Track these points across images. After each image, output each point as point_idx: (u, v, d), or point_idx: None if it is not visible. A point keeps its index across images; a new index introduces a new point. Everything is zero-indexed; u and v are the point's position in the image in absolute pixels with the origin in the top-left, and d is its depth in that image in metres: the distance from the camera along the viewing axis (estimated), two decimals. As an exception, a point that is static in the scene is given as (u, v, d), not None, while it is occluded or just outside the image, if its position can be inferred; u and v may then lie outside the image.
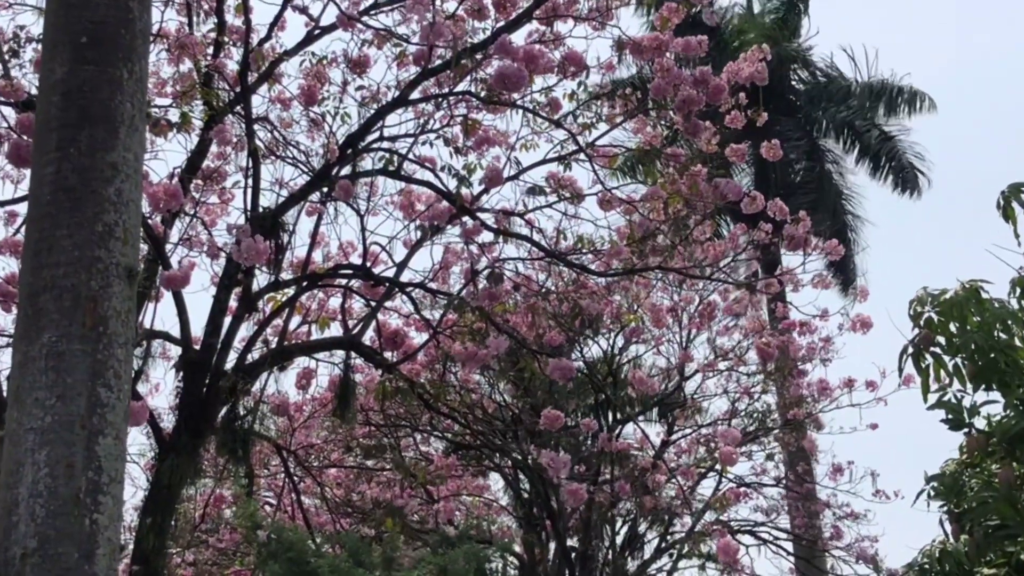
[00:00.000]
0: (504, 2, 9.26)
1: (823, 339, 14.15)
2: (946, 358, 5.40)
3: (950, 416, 5.52)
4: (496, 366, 12.24)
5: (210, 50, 9.55)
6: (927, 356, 5.40)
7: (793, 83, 23.13)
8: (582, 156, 9.76)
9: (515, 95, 9.49)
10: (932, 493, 5.65)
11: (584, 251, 10.19)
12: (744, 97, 10.08)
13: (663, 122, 10.14)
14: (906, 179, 22.40)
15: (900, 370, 5.53)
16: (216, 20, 9.48)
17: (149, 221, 8.63)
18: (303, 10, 9.47)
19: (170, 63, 9.37)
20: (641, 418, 15.09)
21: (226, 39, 9.54)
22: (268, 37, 9.45)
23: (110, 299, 4.12)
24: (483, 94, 9.37)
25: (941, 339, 5.39)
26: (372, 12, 9.50)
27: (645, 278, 12.21)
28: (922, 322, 5.41)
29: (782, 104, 21.95)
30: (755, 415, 14.92)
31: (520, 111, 9.67)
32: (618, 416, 14.44)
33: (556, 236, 10.28)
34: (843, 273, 20.97)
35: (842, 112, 22.69)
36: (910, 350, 5.42)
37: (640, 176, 13.65)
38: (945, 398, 5.51)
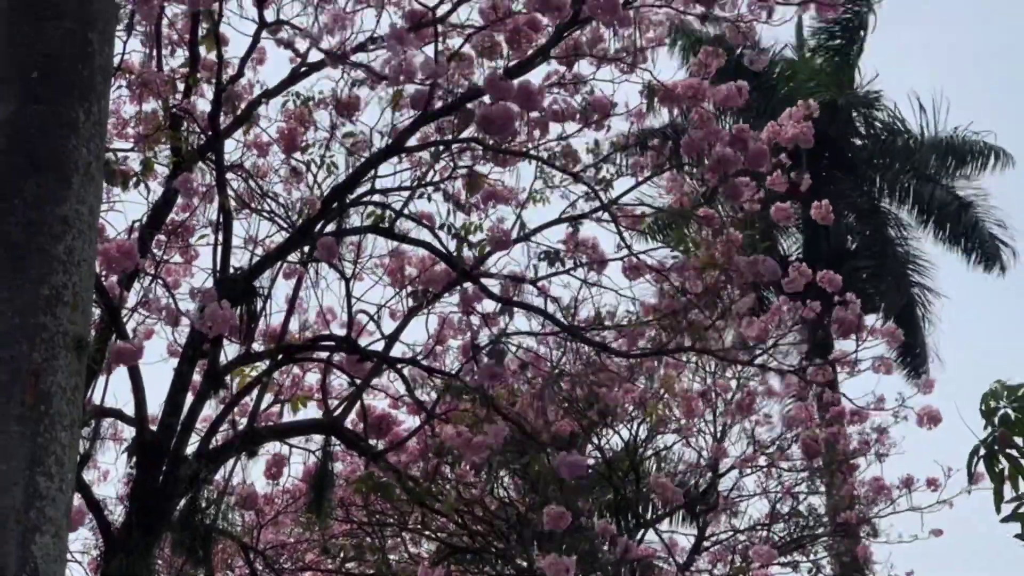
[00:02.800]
0: (518, 38, 9.32)
1: (876, 429, 14.05)
2: (1024, 462, 5.35)
3: (1028, 531, 5.46)
4: (497, 457, 12.17)
5: (180, 87, 9.63)
6: (1002, 460, 5.35)
7: (851, 137, 23.06)
8: (604, 215, 9.74)
9: (528, 144, 9.55)
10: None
11: (605, 326, 10.16)
12: (787, 158, 10.08)
13: (697, 179, 10.16)
14: (986, 252, 22.11)
15: (970, 474, 5.48)
16: (188, 53, 9.57)
17: (103, 283, 8.65)
18: (288, 44, 9.54)
19: (133, 102, 9.44)
20: (667, 520, 14.99)
21: (199, 74, 9.62)
22: (240, 74, 9.50)
23: (55, 373, 4.12)
24: (490, 142, 9.40)
25: (1019, 440, 5.35)
26: (370, 48, 9.56)
27: (677, 359, 12.14)
28: (997, 419, 5.37)
29: (838, 160, 22.00)
30: (799, 519, 14.82)
31: (532, 162, 9.69)
32: (640, 518, 14.35)
33: (573, 308, 10.24)
34: (910, 354, 20.76)
35: (907, 171, 22.59)
36: (982, 451, 5.38)
37: (671, 241, 13.69)
38: (1022, 510, 5.46)
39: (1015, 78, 46.84)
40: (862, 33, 22.80)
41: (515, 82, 8.64)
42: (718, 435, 14.26)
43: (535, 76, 9.35)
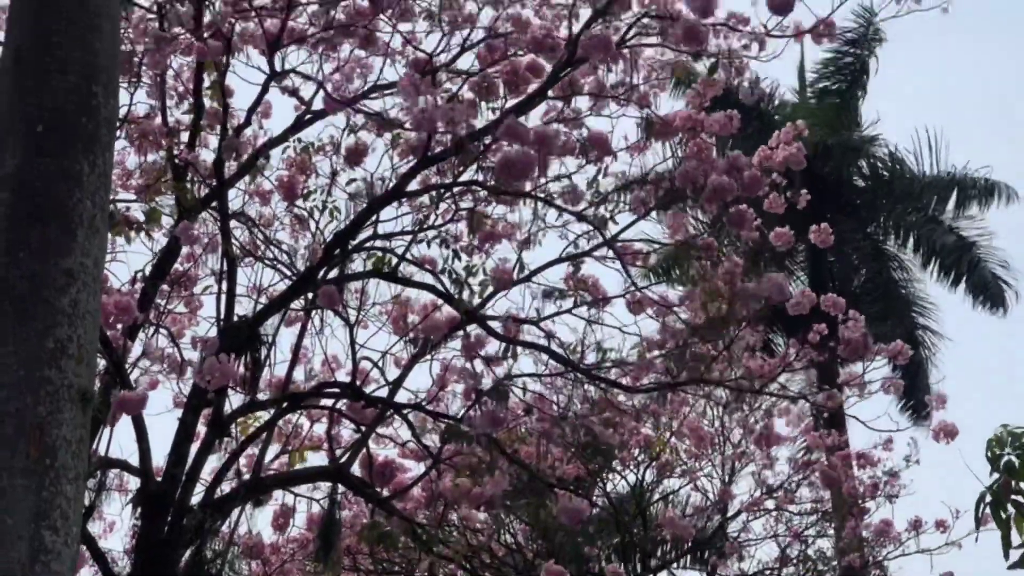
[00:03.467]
0: (515, 79, 9.37)
1: (888, 473, 14.00)
2: (1030, 509, 5.32)
3: (1036, 578, 5.42)
4: (502, 503, 12.10)
5: (184, 137, 9.67)
6: (1008, 506, 5.33)
7: (852, 178, 23.04)
8: (607, 251, 9.71)
9: (528, 184, 9.56)
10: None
11: (609, 364, 10.12)
12: (781, 178, 10.06)
13: (698, 213, 10.16)
14: (989, 294, 21.97)
15: (977, 521, 5.44)
16: (192, 102, 9.62)
17: (107, 334, 8.64)
18: (293, 92, 9.60)
19: (137, 152, 9.49)
20: (675, 564, 14.91)
21: (204, 123, 9.67)
22: (247, 123, 9.57)
23: (59, 427, 4.12)
24: (491, 183, 9.42)
25: (1024, 486, 5.33)
26: (372, 95, 9.61)
27: (684, 392, 12.06)
28: (1002, 466, 5.34)
29: (841, 201, 21.98)
30: (809, 563, 14.73)
31: (533, 201, 9.70)
32: (648, 562, 14.27)
33: (578, 347, 10.18)
34: (914, 396, 20.67)
35: (910, 212, 22.57)
36: (988, 498, 5.35)
37: (675, 277, 13.68)
38: (1029, 556, 5.42)
39: (1016, 116, 46.96)
40: (864, 76, 22.90)
41: (531, 128, 8.70)
42: (726, 478, 14.20)
43: (533, 114, 9.43)
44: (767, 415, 13.73)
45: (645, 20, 9.16)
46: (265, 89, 9.57)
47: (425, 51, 9.38)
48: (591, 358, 10.16)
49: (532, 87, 9.37)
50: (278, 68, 9.45)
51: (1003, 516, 5.36)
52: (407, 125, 9.15)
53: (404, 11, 9.33)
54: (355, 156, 9.77)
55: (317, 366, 11.52)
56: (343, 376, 10.86)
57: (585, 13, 9.24)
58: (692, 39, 8.93)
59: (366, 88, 9.63)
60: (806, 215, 11.47)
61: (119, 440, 14.53)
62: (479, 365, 9.98)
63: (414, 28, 9.53)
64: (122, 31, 7.24)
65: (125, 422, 9.30)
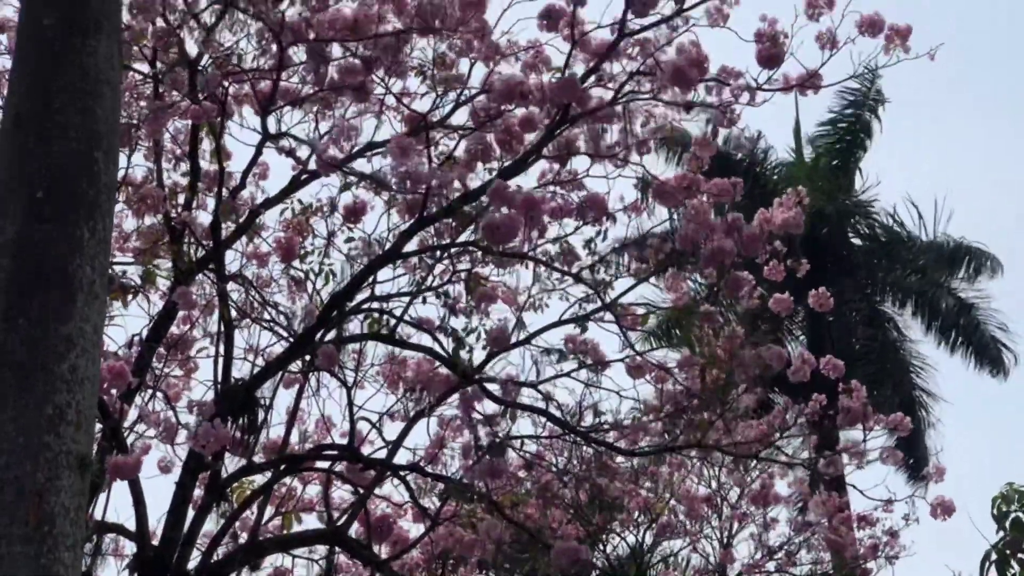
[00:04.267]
0: (509, 140, 9.41)
1: (888, 532, 13.90)
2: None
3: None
4: (497, 558, 12.01)
5: (181, 199, 9.70)
6: (1014, 564, 5.31)
7: (851, 239, 23.14)
8: (606, 315, 9.73)
9: (526, 246, 9.59)
10: None
11: (607, 427, 10.10)
12: (781, 245, 10.11)
13: (697, 277, 10.18)
14: (988, 357, 22.00)
15: (982, 579, 5.43)
16: (189, 165, 9.66)
17: (104, 397, 8.61)
18: (289, 152, 9.64)
19: (135, 215, 9.50)
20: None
21: (200, 185, 9.70)
22: (242, 185, 9.59)
23: (58, 494, 4.11)
24: (485, 244, 9.44)
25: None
26: (367, 153, 9.65)
27: (682, 456, 12.05)
28: (1008, 524, 5.33)
29: (840, 263, 22.03)
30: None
31: (531, 264, 9.71)
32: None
33: (576, 410, 10.18)
34: (911, 456, 20.63)
35: (908, 274, 22.65)
36: (993, 556, 5.33)
37: (675, 340, 13.68)
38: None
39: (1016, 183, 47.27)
40: (863, 137, 22.99)
41: (519, 191, 8.72)
42: (725, 540, 14.11)
43: (529, 175, 9.49)
44: (767, 475, 13.68)
45: (638, 76, 9.24)
46: (259, 151, 9.61)
47: (417, 111, 9.45)
48: (589, 419, 10.16)
49: (529, 138, 9.41)
50: (273, 129, 9.50)
51: (1009, 575, 5.34)
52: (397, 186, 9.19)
53: (397, 68, 9.39)
54: (353, 215, 9.80)
55: (313, 426, 11.48)
56: (339, 436, 10.83)
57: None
58: (681, 82, 9.00)
59: (360, 147, 9.67)
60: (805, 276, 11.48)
61: (116, 504, 14.46)
62: (478, 420, 9.98)
63: (405, 85, 9.64)
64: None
65: (122, 485, 9.28)
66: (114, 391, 8.63)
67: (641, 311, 10.28)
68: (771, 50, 9.09)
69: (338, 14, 9.09)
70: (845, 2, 9.20)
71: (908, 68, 9.54)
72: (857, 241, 23.29)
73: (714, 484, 13.76)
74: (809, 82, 9.31)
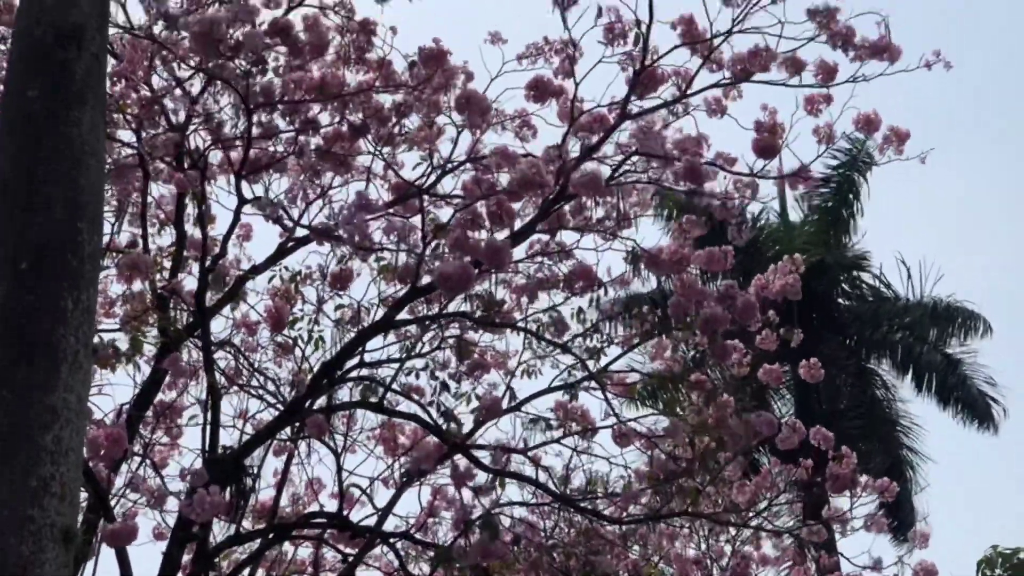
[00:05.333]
0: (499, 214, 9.39)
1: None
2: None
3: None
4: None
5: (167, 263, 9.69)
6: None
7: (838, 299, 23.21)
8: (593, 383, 9.74)
9: (516, 313, 9.60)
10: None
11: (597, 495, 10.06)
12: (775, 315, 10.14)
13: (686, 345, 10.18)
14: (977, 411, 21.96)
15: (971, 644, 5.39)
16: (174, 231, 9.66)
17: (91, 466, 8.55)
18: (276, 219, 9.64)
19: (119, 281, 9.48)
20: None
21: (186, 252, 9.70)
22: (223, 252, 9.57)
23: (42, 567, 4.08)
24: (478, 314, 9.44)
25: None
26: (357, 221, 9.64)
27: (670, 525, 12.01)
28: (993, 586, 5.31)
29: (827, 322, 22.07)
30: None
31: (521, 333, 9.72)
32: None
33: (565, 477, 10.15)
34: (897, 517, 20.56)
35: (895, 331, 22.68)
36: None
37: (661, 406, 13.63)
38: None
39: (1005, 243, 47.47)
40: (851, 197, 23.07)
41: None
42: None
43: (519, 248, 9.48)
44: (754, 539, 13.61)
45: (634, 158, 9.28)
46: (238, 216, 9.58)
47: (406, 179, 9.49)
48: (577, 485, 10.12)
49: (521, 214, 9.43)
50: (256, 193, 9.50)
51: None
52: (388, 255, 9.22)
53: (385, 136, 9.44)
54: (341, 281, 9.80)
55: (302, 490, 11.41)
56: (328, 499, 10.76)
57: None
58: (693, 177, 9.06)
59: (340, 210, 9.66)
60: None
61: (102, 573, 14.32)
62: (468, 494, 9.92)
63: (394, 153, 9.66)
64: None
65: (108, 555, 9.19)
66: (111, 458, 8.56)
67: (630, 379, 10.28)
68: (768, 141, 9.13)
69: (303, 75, 9.14)
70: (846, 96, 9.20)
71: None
72: (843, 301, 23.39)
73: (703, 546, 13.66)
74: (801, 174, 9.38)
